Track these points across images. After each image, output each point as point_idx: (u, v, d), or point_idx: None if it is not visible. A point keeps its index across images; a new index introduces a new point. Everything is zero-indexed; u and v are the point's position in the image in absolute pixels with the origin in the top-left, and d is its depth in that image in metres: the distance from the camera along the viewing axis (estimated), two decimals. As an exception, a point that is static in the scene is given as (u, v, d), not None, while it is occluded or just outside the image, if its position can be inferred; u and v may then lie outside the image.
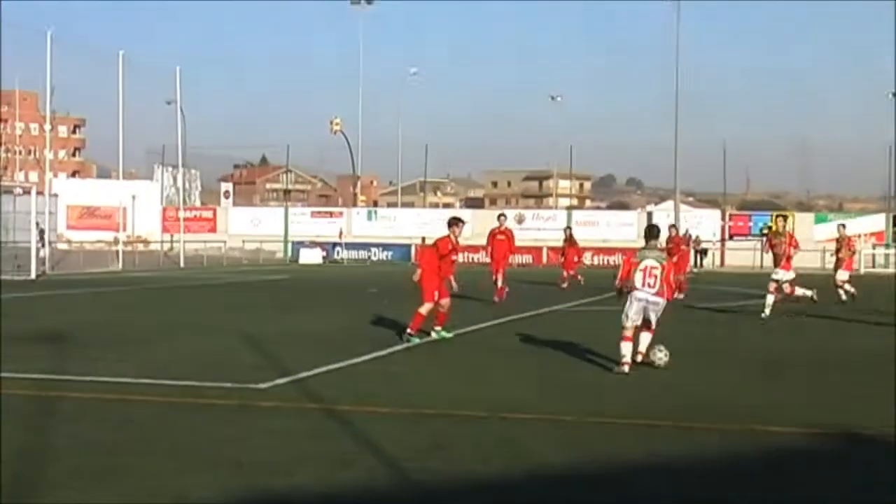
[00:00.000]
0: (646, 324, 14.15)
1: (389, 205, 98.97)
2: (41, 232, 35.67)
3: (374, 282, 30.41)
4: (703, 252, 59.02)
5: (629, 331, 13.87)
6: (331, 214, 72.87)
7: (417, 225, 64.46)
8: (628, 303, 14.12)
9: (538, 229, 63.02)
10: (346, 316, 22.80)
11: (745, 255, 59.11)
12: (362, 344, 16.57)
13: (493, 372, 14.08)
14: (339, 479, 8.03)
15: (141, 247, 61.02)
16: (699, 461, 8.90)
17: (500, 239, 27.28)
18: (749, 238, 61.73)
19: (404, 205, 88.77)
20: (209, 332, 19.13)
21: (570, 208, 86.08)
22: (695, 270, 49.23)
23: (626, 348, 13.75)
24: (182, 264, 53.10)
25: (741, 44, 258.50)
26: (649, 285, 13.93)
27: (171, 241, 62.25)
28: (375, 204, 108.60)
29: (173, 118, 59.25)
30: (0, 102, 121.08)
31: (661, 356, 13.83)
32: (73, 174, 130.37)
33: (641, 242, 14.90)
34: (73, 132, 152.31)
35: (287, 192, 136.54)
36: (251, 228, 69.53)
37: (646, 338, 14.15)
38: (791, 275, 23.43)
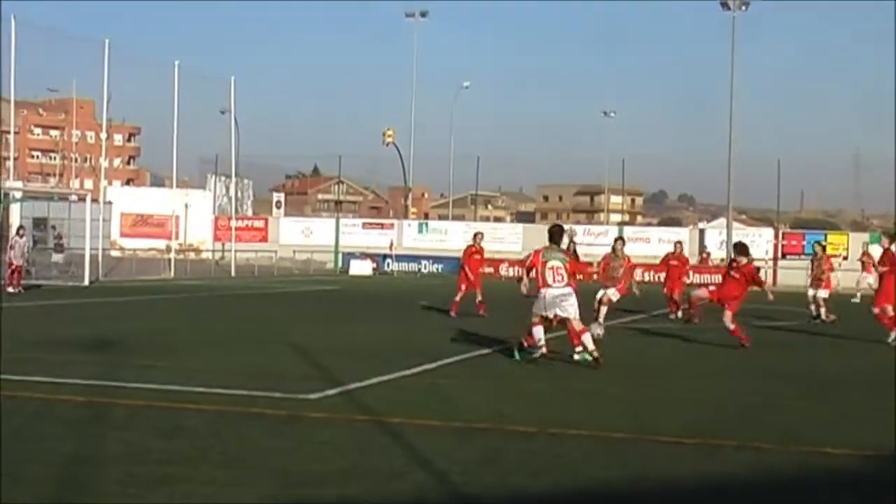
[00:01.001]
0: (563, 321, 16.02)
1: (440, 217, 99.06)
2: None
3: (424, 294, 30.41)
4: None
5: (538, 318, 15.98)
6: (382, 226, 73.00)
7: (468, 238, 64.38)
8: (541, 297, 15.97)
9: (589, 244, 62.80)
10: (396, 327, 22.79)
11: (797, 275, 58.51)
12: (412, 356, 16.53)
13: (541, 387, 13.98)
14: (389, 491, 7.98)
15: (193, 255, 61.40)
16: (756, 482, 8.76)
17: (476, 258, 27.50)
18: (802, 257, 61.14)
19: (455, 217, 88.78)
20: (260, 341, 19.18)
21: (621, 224, 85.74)
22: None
23: (538, 332, 15.95)
24: (233, 273, 53.36)
25: (801, 58, 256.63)
26: (557, 281, 15.86)
27: (223, 250, 62.60)
28: (426, 216, 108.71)
29: (227, 127, 59.66)
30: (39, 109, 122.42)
31: (598, 331, 16.32)
32: (128, 182, 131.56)
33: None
34: (129, 140, 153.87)
35: (338, 202, 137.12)
36: (302, 239, 69.78)
37: (587, 337, 15.96)
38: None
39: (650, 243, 64.38)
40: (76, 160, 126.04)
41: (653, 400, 13.03)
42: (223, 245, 63.96)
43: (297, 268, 61.84)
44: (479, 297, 26.48)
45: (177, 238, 56.60)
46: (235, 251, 57.20)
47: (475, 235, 28.60)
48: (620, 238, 24.34)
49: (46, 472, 8.17)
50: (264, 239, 70.08)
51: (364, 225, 73.79)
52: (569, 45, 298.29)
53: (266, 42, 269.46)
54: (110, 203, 66.19)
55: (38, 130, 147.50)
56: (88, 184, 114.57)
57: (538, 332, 15.97)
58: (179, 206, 57.90)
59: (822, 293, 28.53)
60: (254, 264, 57.18)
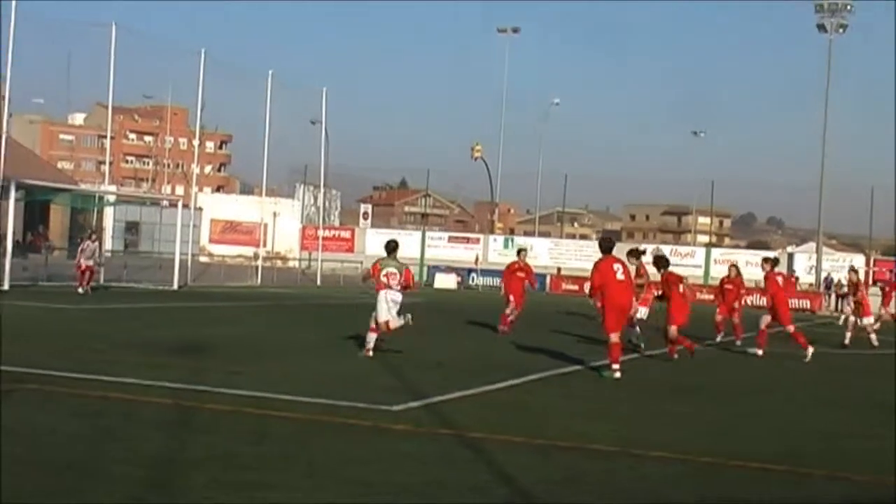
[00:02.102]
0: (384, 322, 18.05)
1: (526, 233, 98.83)
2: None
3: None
4: (843, 297, 57.52)
5: (375, 324, 17.97)
6: (467, 240, 73.12)
7: (553, 255, 64.22)
8: (380, 301, 18.02)
9: (675, 265, 62.20)
10: (480, 341, 22.75)
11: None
12: (496, 371, 16.51)
13: (625, 406, 13.87)
14: (471, 506, 7.95)
15: (279, 263, 62.00)
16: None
17: (519, 276, 26.87)
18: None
19: (541, 234, 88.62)
20: (345, 351, 19.26)
21: (708, 245, 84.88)
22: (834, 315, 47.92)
23: (371, 338, 18.01)
24: (319, 283, 53.72)
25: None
26: (391, 286, 18.09)
27: (309, 259, 63.10)
28: (512, 232, 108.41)
29: (317, 138, 60.14)
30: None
31: (408, 317, 18.03)
32: (218, 189, 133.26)
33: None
34: (220, 148, 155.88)
35: (425, 215, 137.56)
36: (388, 250, 70.01)
37: (393, 323, 18.05)
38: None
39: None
40: (168, 166, 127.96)
41: (738, 423, 12.85)
42: (310, 254, 64.48)
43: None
44: (511, 314, 25.95)
45: (264, 246, 57.19)
46: (322, 261, 57.59)
47: (519, 252, 28.24)
48: (634, 250, 24.02)
49: (133, 472, 8.26)
50: (350, 249, 70.53)
51: (450, 239, 73.96)
52: (659, 67, 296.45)
53: (358, 54, 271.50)
54: (200, 209, 67.16)
55: (132, 136, 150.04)
56: (180, 190, 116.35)
57: (371, 338, 18.09)
58: (268, 215, 58.51)
59: (868, 319, 28.32)
60: (339, 274, 57.53)
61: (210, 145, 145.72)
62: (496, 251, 69.63)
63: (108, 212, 59.19)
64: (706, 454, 10.40)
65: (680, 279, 21.74)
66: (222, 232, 72.72)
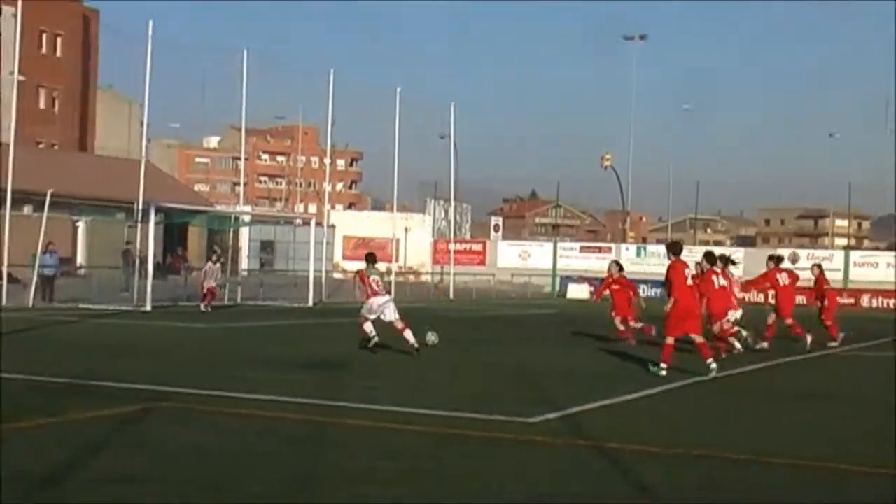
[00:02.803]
0: (391, 323, 20.33)
1: (658, 241, 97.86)
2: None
3: (642, 319, 29.92)
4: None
5: (366, 319, 20.39)
6: (599, 250, 72.58)
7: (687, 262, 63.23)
8: (368, 304, 20.45)
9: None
10: (615, 351, 22.54)
11: None
12: (631, 381, 16.35)
13: (750, 414, 13.63)
14: (609, 519, 7.87)
15: (412, 278, 62.39)
16: None
17: (616, 289, 26.19)
18: None
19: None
20: (479, 363, 19.29)
21: (846, 248, 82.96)
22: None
23: (368, 327, 20.33)
24: (451, 296, 53.91)
25: None
26: (379, 293, 20.53)
27: (442, 273, 63.35)
28: (644, 240, 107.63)
29: (446, 152, 60.43)
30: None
31: (432, 338, 21.17)
32: (350, 206, 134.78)
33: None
34: (351, 165, 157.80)
35: (556, 226, 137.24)
36: (520, 262, 70.00)
37: (407, 333, 20.21)
38: None
39: (878, 268, 62.05)
40: (301, 185, 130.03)
41: (866, 429, 12.47)
42: (442, 268, 64.74)
43: (514, 291, 62.06)
44: (620, 326, 25.45)
45: (396, 261, 57.59)
46: (454, 275, 57.81)
47: (609, 266, 27.64)
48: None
49: (271, 489, 8.35)
50: (482, 262, 70.61)
51: (581, 248, 73.51)
52: (791, 69, 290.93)
53: (484, 67, 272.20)
54: (333, 226, 68.01)
55: (265, 156, 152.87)
56: (312, 208, 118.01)
57: (369, 326, 20.42)
58: (399, 230, 58.94)
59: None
60: (472, 288, 57.64)
61: (341, 163, 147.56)
62: (628, 260, 68.92)
63: (244, 232, 60.30)
64: (834, 460, 10.15)
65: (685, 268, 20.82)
66: (355, 248, 73.33)
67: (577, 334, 28.12)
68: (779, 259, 25.92)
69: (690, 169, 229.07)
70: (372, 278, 20.81)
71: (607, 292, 26.17)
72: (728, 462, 10.03)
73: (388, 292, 21.62)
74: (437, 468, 9.39)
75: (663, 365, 17.27)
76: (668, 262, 18.23)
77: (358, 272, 21.43)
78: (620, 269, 26.65)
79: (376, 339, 20.34)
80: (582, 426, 11.77)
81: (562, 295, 62.20)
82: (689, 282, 17.83)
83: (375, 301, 20.52)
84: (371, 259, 21.73)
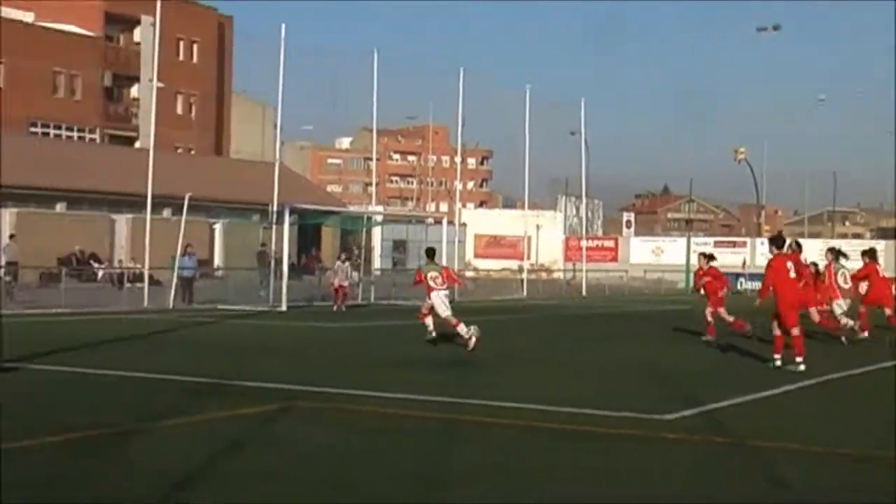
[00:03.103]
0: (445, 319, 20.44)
1: (795, 235, 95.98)
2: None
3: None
4: None
5: (426, 310, 20.97)
6: (734, 244, 71.51)
7: (824, 256, 61.86)
8: (433, 299, 20.70)
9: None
10: (744, 348, 22.10)
11: None
12: (771, 376, 16.02)
13: (889, 411, 13.27)
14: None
15: (544, 275, 62.24)
16: None
17: (707, 280, 25.48)
18: None
19: (810, 235, 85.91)
20: (611, 360, 19.13)
21: None
22: None
23: (429, 322, 20.89)
24: (584, 293, 53.62)
25: None
26: (438, 285, 20.76)
27: (574, 270, 63.06)
28: (780, 234, 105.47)
29: (577, 149, 60.04)
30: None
31: (473, 331, 20.00)
32: (481, 204, 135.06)
33: None
34: (481, 164, 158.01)
35: (689, 221, 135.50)
36: (652, 258, 69.29)
37: (461, 328, 20.10)
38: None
39: None
40: (432, 184, 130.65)
41: None
42: (574, 265, 64.42)
43: (647, 287, 61.44)
44: (710, 318, 24.85)
45: (528, 258, 57.51)
46: (586, 271, 57.49)
47: (698, 257, 27.06)
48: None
49: (400, 488, 8.39)
50: (614, 259, 70.13)
51: (716, 243, 72.41)
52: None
53: (613, 62, 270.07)
54: (465, 225, 68.24)
55: (396, 156, 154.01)
56: (443, 207, 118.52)
57: (429, 320, 20.93)
58: (531, 227, 58.82)
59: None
60: (604, 284, 57.26)
61: (472, 162, 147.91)
62: (763, 254, 67.69)
63: (376, 231, 60.90)
64: None
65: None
66: (487, 247, 73.60)
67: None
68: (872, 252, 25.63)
69: (826, 161, 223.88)
70: (431, 274, 21.07)
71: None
72: (871, 461, 9.75)
73: (450, 287, 21.91)
74: (570, 465, 9.32)
75: (799, 359, 16.82)
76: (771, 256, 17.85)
77: (418, 269, 22.23)
78: (711, 260, 26.23)
79: (433, 334, 20.85)
80: (721, 423, 11.57)
81: (697, 290, 61.29)
82: (792, 274, 17.47)
83: (440, 295, 20.89)
84: (431, 254, 22.25)
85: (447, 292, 21.32)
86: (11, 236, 42.31)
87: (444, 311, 20.67)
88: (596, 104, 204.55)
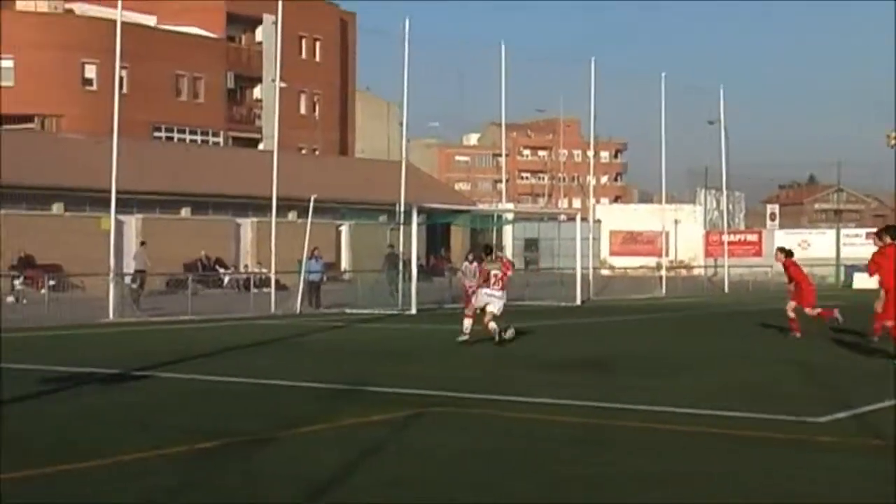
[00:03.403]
0: (487, 313, 21.53)
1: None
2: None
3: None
4: None
5: (469, 316, 22.15)
6: (887, 236, 69.78)
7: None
8: (477, 296, 22.18)
9: None
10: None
11: None
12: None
13: None
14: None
15: (683, 272, 61.58)
16: None
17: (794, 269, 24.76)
18: None
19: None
20: (757, 360, 18.89)
21: None
22: None
23: (468, 323, 21.93)
24: (726, 290, 52.95)
25: None
26: (492, 285, 21.77)
27: (715, 266, 62.30)
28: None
29: (716, 138, 59.27)
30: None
31: (510, 332, 21.31)
32: (615, 199, 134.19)
33: None
34: (615, 157, 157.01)
35: (838, 212, 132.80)
36: (799, 252, 67.86)
37: (492, 325, 21.38)
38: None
39: None
40: (564, 179, 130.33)
41: None
42: (715, 261, 63.64)
43: (794, 283, 60.34)
44: (791, 314, 24.26)
45: (667, 255, 56.97)
46: (728, 267, 56.74)
47: (775, 252, 26.37)
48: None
49: (544, 493, 8.44)
50: (758, 253, 68.97)
51: (867, 235, 70.70)
52: None
53: (755, 47, 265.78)
54: (599, 221, 67.78)
55: (526, 152, 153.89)
56: (576, 203, 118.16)
57: (468, 322, 21.99)
58: (669, 222, 58.24)
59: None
60: (747, 280, 56.44)
61: (605, 155, 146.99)
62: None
63: (507, 230, 60.93)
64: None
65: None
66: (622, 243, 73.09)
67: (861, 326, 27.09)
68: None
69: None
70: (493, 272, 22.14)
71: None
72: None
73: (503, 289, 22.33)
74: (719, 471, 9.25)
75: None
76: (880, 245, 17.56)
77: (481, 265, 23.94)
78: (788, 254, 25.51)
79: (466, 337, 21.72)
80: (877, 426, 11.35)
81: (847, 285, 60.03)
82: None
83: (485, 291, 21.92)
84: (489, 251, 23.78)
85: (496, 293, 21.94)
86: (142, 243, 43.44)
87: (484, 302, 21.77)
88: (735, 90, 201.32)
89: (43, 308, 31.49)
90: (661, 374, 16.68)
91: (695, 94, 60.26)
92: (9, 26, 66.35)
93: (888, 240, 17.64)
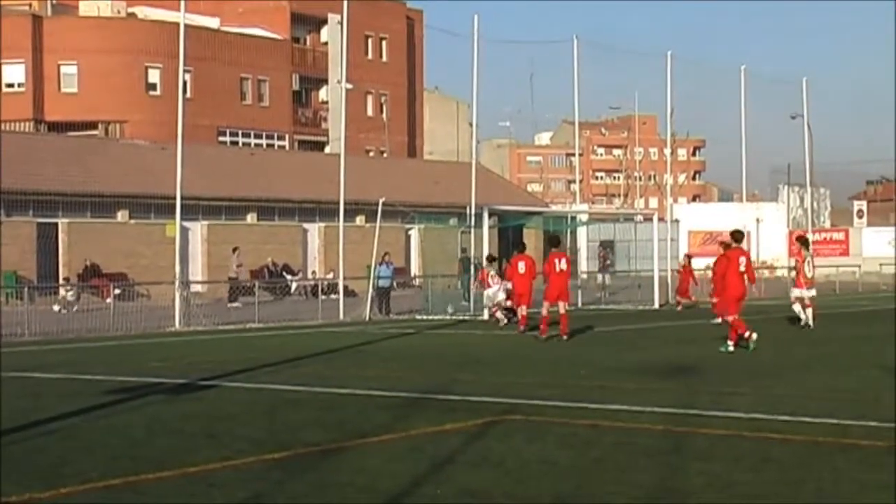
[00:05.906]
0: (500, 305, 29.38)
1: None
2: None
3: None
4: None
5: (496, 310, 29.89)
6: (982, 231, 68.66)
7: None
8: (487, 293, 29.81)
9: None
10: None
11: None
12: None
13: None
14: None
15: (767, 273, 60.96)
16: None
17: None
18: None
19: None
20: (848, 364, 18.67)
21: None
22: None
23: (501, 314, 28.94)
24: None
25: None
26: (493, 285, 29.61)
27: (799, 266, 61.61)
28: None
29: (799, 134, 58.70)
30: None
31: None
32: (694, 198, 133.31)
33: None
34: (693, 154, 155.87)
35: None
36: (889, 250, 67.09)
37: (499, 314, 29.59)
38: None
39: None
40: (640, 179, 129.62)
41: None
42: (799, 261, 62.94)
43: (884, 283, 59.50)
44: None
45: (749, 255, 56.40)
46: (814, 266, 56.03)
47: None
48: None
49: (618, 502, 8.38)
50: (845, 252, 68.25)
51: (963, 231, 69.78)
52: None
53: (840, 37, 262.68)
54: (677, 221, 67.23)
55: (601, 150, 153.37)
56: (653, 202, 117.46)
57: (501, 314, 29.68)
58: (750, 221, 57.76)
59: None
60: (834, 280, 55.77)
61: (682, 153, 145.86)
62: None
63: (581, 232, 60.66)
64: None
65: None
66: (702, 244, 72.44)
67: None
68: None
69: None
70: (490, 274, 30.09)
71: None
72: None
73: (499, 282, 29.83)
74: (806, 480, 9.13)
75: None
76: None
77: (481, 270, 31.76)
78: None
79: (505, 321, 28.38)
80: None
81: None
82: None
83: (491, 290, 29.43)
84: (491, 260, 31.82)
85: (501, 286, 29.30)
86: (234, 249, 43.76)
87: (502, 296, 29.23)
88: (819, 83, 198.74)
89: (108, 317, 31.82)
90: (748, 379, 16.45)
91: (776, 88, 59.62)
92: (71, 32, 67.38)
93: None
